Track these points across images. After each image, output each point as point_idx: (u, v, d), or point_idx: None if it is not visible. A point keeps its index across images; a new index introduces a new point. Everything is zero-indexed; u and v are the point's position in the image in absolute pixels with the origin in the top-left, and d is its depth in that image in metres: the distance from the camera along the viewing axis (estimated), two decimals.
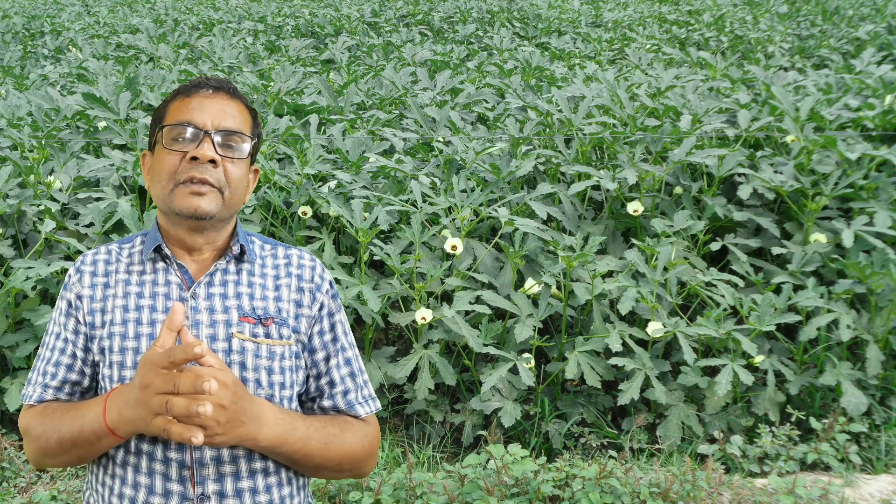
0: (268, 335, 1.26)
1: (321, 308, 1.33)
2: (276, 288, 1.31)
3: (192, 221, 1.26)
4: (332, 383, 1.32)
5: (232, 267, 1.31)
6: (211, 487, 1.19)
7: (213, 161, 1.24)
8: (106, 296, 1.28)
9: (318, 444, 1.23)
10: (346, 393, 1.33)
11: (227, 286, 1.29)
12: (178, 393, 1.04)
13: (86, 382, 1.28)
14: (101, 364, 1.25)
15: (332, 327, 1.34)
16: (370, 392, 1.36)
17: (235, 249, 1.31)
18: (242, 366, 1.23)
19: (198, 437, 1.04)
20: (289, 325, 1.28)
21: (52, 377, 1.26)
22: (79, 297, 1.28)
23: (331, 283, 1.36)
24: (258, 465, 1.22)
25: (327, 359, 1.33)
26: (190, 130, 1.25)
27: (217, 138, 1.25)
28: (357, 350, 1.38)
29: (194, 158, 1.23)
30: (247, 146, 1.29)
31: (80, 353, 1.27)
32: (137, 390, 1.08)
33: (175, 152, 1.25)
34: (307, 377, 1.32)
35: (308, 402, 1.34)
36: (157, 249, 1.30)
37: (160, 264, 1.30)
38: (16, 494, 2.70)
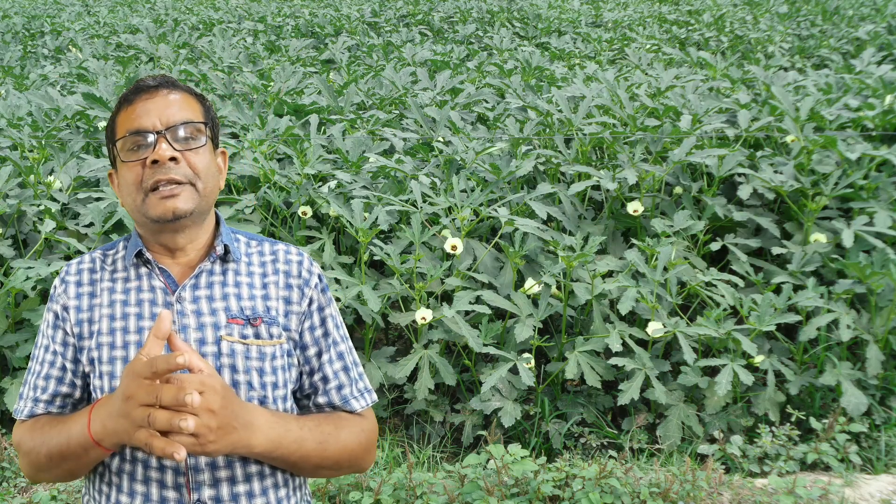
0: (257, 336, 1.24)
1: (310, 303, 1.31)
2: (264, 286, 1.29)
3: (172, 224, 1.23)
4: (325, 379, 1.30)
5: (217, 267, 1.28)
6: (207, 493, 1.18)
7: (173, 159, 1.21)
8: (92, 305, 1.26)
9: (314, 444, 1.21)
10: (340, 388, 1.30)
11: (213, 287, 1.26)
12: (161, 405, 1.01)
13: (77, 394, 1.26)
14: (91, 375, 1.23)
15: (323, 322, 1.31)
16: (365, 385, 1.34)
17: (219, 249, 1.28)
18: (233, 368, 1.21)
19: (180, 454, 1.00)
20: (278, 323, 1.26)
21: (42, 391, 1.25)
22: (65, 309, 1.26)
23: (320, 277, 1.34)
24: (253, 468, 1.21)
25: (319, 354, 1.30)
26: (142, 137, 1.22)
27: (170, 135, 1.22)
28: (350, 343, 1.36)
29: (154, 162, 1.20)
30: (203, 133, 1.26)
31: (69, 365, 1.25)
32: (120, 401, 1.06)
33: (134, 163, 1.22)
34: (300, 374, 1.30)
35: (303, 399, 1.32)
36: (139, 254, 1.27)
37: (143, 269, 1.28)
38: (16, 494, 2.71)
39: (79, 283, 1.28)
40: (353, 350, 1.36)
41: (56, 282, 1.30)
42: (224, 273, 1.28)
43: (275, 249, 1.33)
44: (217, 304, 1.25)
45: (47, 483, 1.32)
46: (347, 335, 1.36)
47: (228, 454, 1.13)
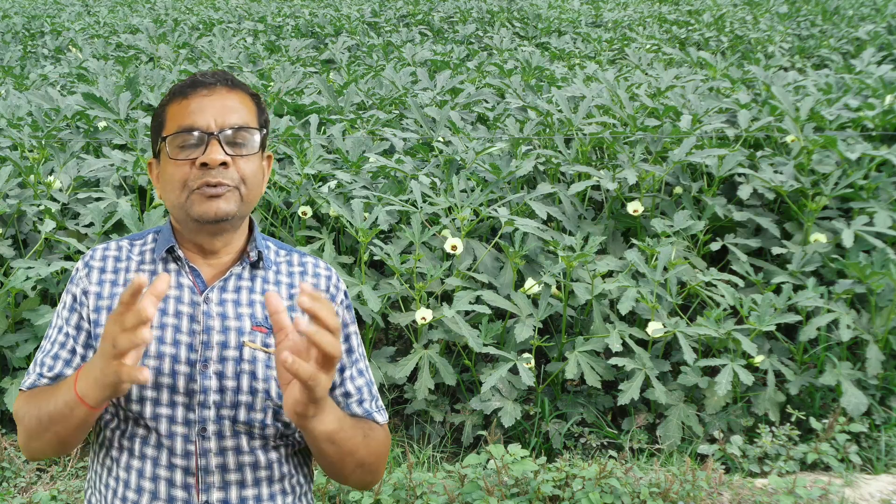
0: None
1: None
2: (291, 297, 1.28)
3: (212, 226, 1.21)
4: (347, 394, 1.30)
5: (246, 273, 1.27)
6: (215, 495, 1.18)
7: (224, 164, 1.18)
8: (114, 293, 1.24)
9: (361, 435, 1.20)
10: (361, 402, 1.31)
11: (241, 293, 1.25)
12: (124, 329, 0.98)
13: None
14: None
15: (347, 338, 1.32)
16: (381, 403, 1.35)
17: (253, 255, 1.27)
18: (253, 375, 1.20)
19: (144, 374, 0.97)
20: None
21: (48, 369, 1.24)
22: (85, 293, 1.25)
23: (345, 294, 1.33)
24: (263, 473, 1.21)
25: (342, 370, 1.30)
26: (194, 135, 1.18)
27: (224, 138, 1.19)
28: (367, 361, 1.36)
29: (204, 164, 1.17)
30: (256, 139, 1.23)
31: (80, 350, 1.24)
32: (98, 349, 1.04)
33: (182, 161, 1.19)
34: None
35: None
36: (170, 250, 1.26)
37: (172, 265, 1.26)
38: (16, 494, 2.70)
39: (102, 270, 1.26)
40: (370, 369, 1.36)
41: (79, 264, 1.28)
42: (252, 279, 1.27)
43: (304, 261, 1.33)
44: (243, 309, 1.24)
45: (42, 458, 1.30)
46: (365, 353, 1.36)
47: (306, 422, 1.07)
